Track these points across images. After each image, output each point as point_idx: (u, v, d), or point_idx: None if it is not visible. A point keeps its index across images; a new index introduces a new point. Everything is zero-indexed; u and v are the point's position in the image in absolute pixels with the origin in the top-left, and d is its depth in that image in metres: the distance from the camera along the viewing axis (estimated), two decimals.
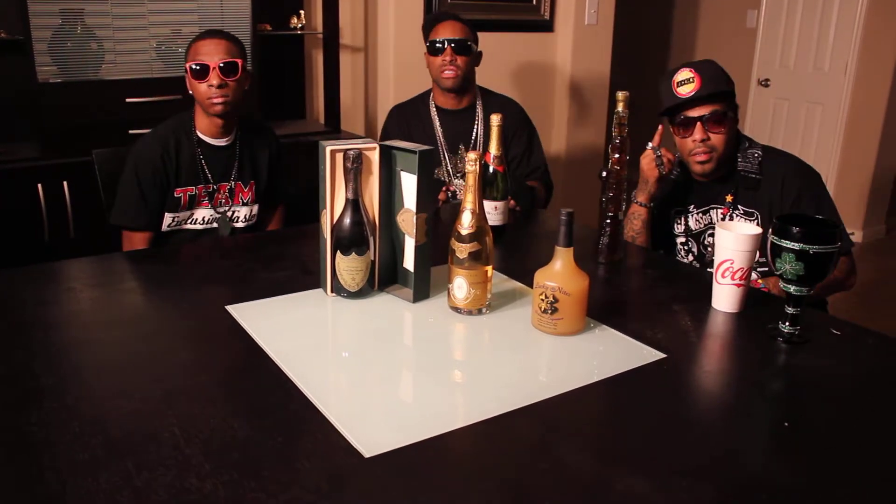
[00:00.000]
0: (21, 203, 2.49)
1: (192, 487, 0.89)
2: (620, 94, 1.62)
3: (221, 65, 1.95)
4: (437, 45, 2.38)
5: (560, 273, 1.30)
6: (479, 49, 2.46)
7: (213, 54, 1.95)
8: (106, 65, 2.69)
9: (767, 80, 4.90)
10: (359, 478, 0.92)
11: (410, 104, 2.56)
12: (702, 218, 1.94)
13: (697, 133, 1.84)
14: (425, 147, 1.39)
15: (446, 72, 2.37)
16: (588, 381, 1.16)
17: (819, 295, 1.77)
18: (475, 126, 2.47)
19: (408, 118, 2.50)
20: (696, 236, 1.95)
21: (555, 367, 1.25)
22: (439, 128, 2.47)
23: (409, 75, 3.23)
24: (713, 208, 1.92)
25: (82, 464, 0.93)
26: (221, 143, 2.07)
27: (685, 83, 1.82)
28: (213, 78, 1.94)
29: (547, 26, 3.58)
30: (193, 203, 2.05)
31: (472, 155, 1.33)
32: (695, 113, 1.84)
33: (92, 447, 0.96)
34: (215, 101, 1.95)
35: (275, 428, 1.02)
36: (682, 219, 1.98)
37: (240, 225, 2.13)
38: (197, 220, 2.08)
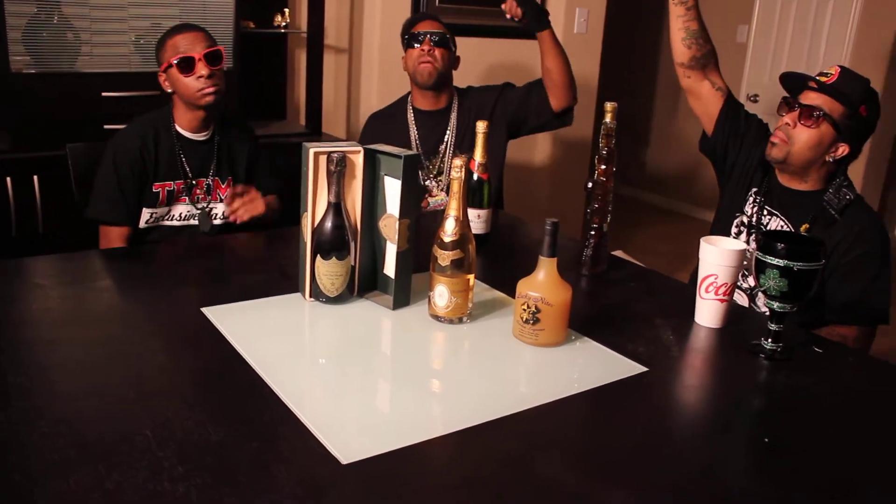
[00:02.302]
0: None
1: (165, 491, 0.86)
2: (608, 105, 1.61)
3: (206, 54, 1.91)
4: (415, 35, 2.39)
5: (543, 283, 1.28)
6: (458, 55, 2.47)
7: (195, 44, 1.92)
8: (82, 57, 2.63)
9: (756, 95, 4.93)
10: (336, 485, 0.91)
11: (387, 110, 2.56)
12: (765, 216, 1.85)
13: (788, 116, 1.78)
14: (410, 152, 1.37)
15: (423, 63, 2.36)
16: (568, 393, 1.15)
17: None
18: (448, 127, 2.46)
19: (384, 125, 2.49)
20: (754, 228, 1.87)
21: (535, 379, 1.24)
22: (415, 131, 2.47)
23: (393, 78, 3.20)
24: (778, 218, 1.84)
25: (52, 465, 0.90)
26: (200, 137, 2.04)
27: (823, 75, 1.76)
28: (202, 69, 1.91)
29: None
30: (171, 199, 2.02)
31: (457, 161, 1.32)
32: (802, 99, 1.77)
33: (62, 448, 0.93)
34: (207, 91, 1.92)
35: (250, 432, 1.00)
36: (753, 207, 1.88)
37: (217, 222, 2.10)
38: (174, 216, 2.04)
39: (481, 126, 1.74)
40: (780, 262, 1.25)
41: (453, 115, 2.48)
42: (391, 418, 1.08)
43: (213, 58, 1.92)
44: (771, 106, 4.79)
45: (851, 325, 1.71)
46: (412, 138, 2.46)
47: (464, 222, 1.35)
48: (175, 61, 1.91)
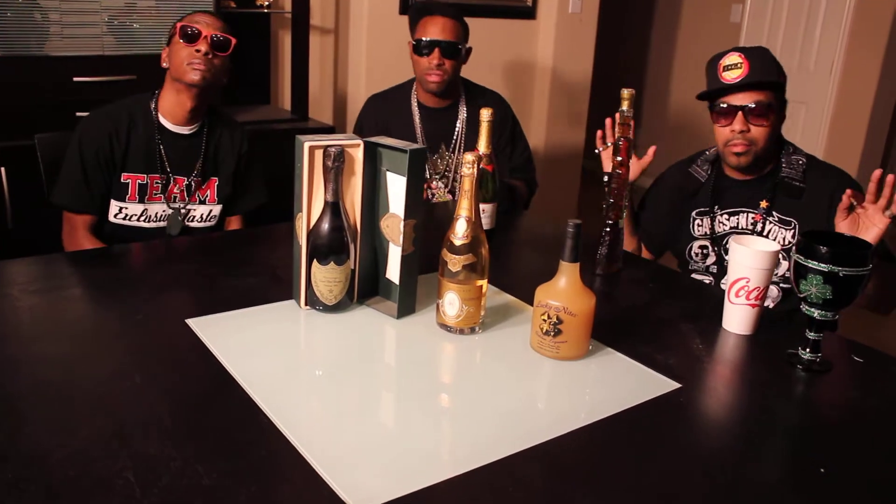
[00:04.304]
0: None
1: None
2: (625, 92, 1.50)
3: (214, 35, 1.82)
4: (424, 46, 2.19)
5: (565, 291, 1.17)
6: (468, 46, 2.29)
7: (210, 25, 1.83)
8: (52, 39, 2.47)
9: None
10: None
11: (389, 96, 2.38)
12: (728, 221, 1.81)
13: (738, 123, 1.70)
14: (416, 146, 1.25)
15: (432, 76, 2.20)
16: (599, 417, 1.04)
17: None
18: (457, 124, 2.32)
19: (386, 112, 2.33)
20: (719, 240, 1.82)
21: (560, 399, 1.12)
22: (420, 126, 2.31)
23: (382, 60, 3.06)
24: (743, 212, 1.80)
25: None
26: (185, 130, 1.89)
27: (732, 68, 1.69)
28: (202, 44, 1.81)
29: (529, 13, 3.44)
30: (144, 194, 1.87)
31: (469, 157, 1.20)
32: (738, 101, 1.70)
33: (29, 497, 0.81)
34: (196, 65, 1.80)
35: (247, 473, 0.87)
36: (705, 221, 1.85)
37: (196, 224, 1.94)
38: (150, 216, 1.89)
39: (486, 114, 1.62)
40: (825, 267, 1.14)
41: (462, 112, 2.32)
42: (404, 452, 0.96)
43: (219, 43, 1.83)
44: None
45: None
46: (417, 133, 2.30)
47: (476, 223, 1.23)
48: (181, 27, 1.82)
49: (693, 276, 1.87)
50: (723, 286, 1.65)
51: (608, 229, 1.55)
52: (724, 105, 1.72)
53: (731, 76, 1.69)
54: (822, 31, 4.48)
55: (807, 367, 1.21)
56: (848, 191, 1.53)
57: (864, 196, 1.53)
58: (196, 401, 1.03)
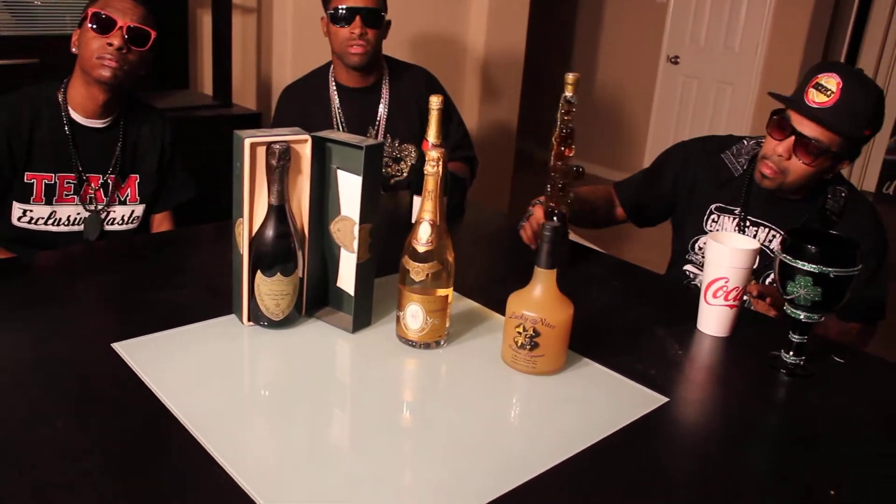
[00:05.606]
0: None
1: None
2: (570, 77, 1.39)
3: (131, 27, 1.61)
4: (343, 13, 2.02)
5: (542, 301, 1.07)
6: (388, 18, 2.14)
7: (127, 14, 1.62)
8: None
9: (677, 57, 4.84)
10: None
11: (305, 82, 2.22)
12: (748, 230, 1.65)
13: (782, 146, 1.52)
14: (372, 141, 1.12)
15: (354, 47, 2.04)
16: (587, 443, 0.94)
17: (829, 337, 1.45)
18: (379, 106, 2.17)
19: (302, 100, 2.16)
20: None
21: (540, 425, 1.00)
22: (338, 108, 2.15)
23: (309, 42, 2.88)
24: (765, 227, 1.64)
25: None
26: (98, 124, 1.69)
27: (822, 91, 1.47)
28: (116, 37, 1.60)
29: None
30: (52, 195, 1.66)
31: (433, 154, 1.08)
32: (797, 124, 1.50)
33: None
34: (107, 62, 1.60)
35: None
36: (723, 219, 1.69)
37: (116, 227, 1.76)
38: (61, 219, 1.69)
39: (435, 101, 1.49)
40: (815, 269, 1.07)
41: (385, 92, 2.17)
42: (366, 497, 0.84)
43: (136, 36, 1.63)
44: (692, 69, 4.76)
45: (850, 321, 1.58)
46: (335, 117, 2.14)
47: (441, 227, 1.11)
48: (93, 13, 1.60)
49: (687, 266, 1.73)
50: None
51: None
52: (783, 117, 1.53)
53: (814, 98, 1.48)
54: (746, 12, 4.51)
55: (790, 371, 1.15)
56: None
57: None
58: (130, 449, 0.88)
